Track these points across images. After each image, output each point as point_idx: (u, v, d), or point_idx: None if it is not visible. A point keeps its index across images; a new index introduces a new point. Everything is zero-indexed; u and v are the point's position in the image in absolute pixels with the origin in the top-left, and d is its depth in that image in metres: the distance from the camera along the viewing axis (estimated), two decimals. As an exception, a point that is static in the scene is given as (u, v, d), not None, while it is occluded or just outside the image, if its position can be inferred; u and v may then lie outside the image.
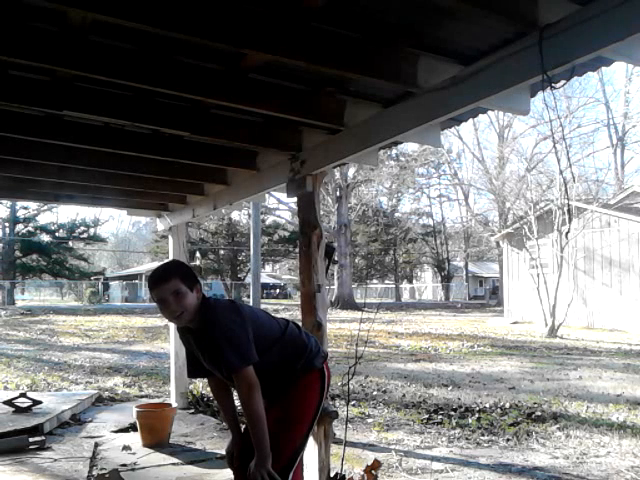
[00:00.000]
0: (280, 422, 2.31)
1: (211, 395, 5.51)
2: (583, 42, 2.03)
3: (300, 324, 2.82)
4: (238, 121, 3.49)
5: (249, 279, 25.33)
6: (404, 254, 47.59)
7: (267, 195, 5.47)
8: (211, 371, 2.39)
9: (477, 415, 5.58)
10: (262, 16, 2.29)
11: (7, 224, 36.60)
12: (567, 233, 15.04)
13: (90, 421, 5.19)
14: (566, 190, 14.59)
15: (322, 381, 2.46)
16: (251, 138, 3.60)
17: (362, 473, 2.99)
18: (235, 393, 2.45)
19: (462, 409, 5.86)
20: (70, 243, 40.01)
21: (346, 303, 29.14)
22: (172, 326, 5.82)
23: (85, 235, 39.95)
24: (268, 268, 55.92)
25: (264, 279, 40.12)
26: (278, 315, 2.62)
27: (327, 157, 3.40)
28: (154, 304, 2.30)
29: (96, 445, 4.41)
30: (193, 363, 2.46)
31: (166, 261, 2.82)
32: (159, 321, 18.80)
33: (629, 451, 4.44)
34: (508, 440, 4.75)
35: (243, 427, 2.46)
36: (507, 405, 6.02)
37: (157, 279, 2.23)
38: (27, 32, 2.36)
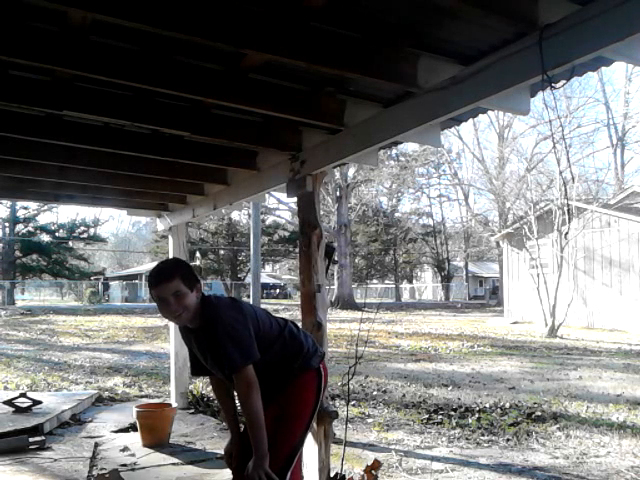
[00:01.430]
0: (277, 420, 2.31)
1: (211, 395, 5.51)
2: (583, 42, 2.03)
3: (300, 324, 2.82)
4: (238, 121, 3.49)
5: (249, 279, 25.34)
6: (404, 254, 47.60)
7: (267, 195, 5.47)
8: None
9: (477, 415, 5.58)
10: (262, 16, 2.29)
11: (7, 224, 36.61)
12: (566, 234, 15.06)
13: (90, 421, 5.19)
14: (566, 191, 14.61)
15: (319, 380, 2.47)
16: (251, 138, 3.60)
17: (362, 473, 3.00)
18: (235, 393, 2.45)
19: (462, 409, 5.86)
20: (70, 243, 40.02)
21: (346, 303, 29.14)
22: (172, 326, 5.82)
23: (85, 235, 39.97)
24: (268, 268, 55.95)
25: (264, 279, 40.15)
26: (278, 315, 2.62)
27: (327, 157, 3.40)
28: (154, 304, 2.30)
29: (96, 445, 4.41)
30: (195, 362, 2.47)
31: (167, 259, 2.81)
32: (159, 321, 18.80)
33: (629, 451, 4.44)
34: (508, 440, 4.75)
35: (242, 427, 2.47)
36: (507, 405, 6.02)
37: (158, 279, 2.22)
38: (27, 32, 2.36)
